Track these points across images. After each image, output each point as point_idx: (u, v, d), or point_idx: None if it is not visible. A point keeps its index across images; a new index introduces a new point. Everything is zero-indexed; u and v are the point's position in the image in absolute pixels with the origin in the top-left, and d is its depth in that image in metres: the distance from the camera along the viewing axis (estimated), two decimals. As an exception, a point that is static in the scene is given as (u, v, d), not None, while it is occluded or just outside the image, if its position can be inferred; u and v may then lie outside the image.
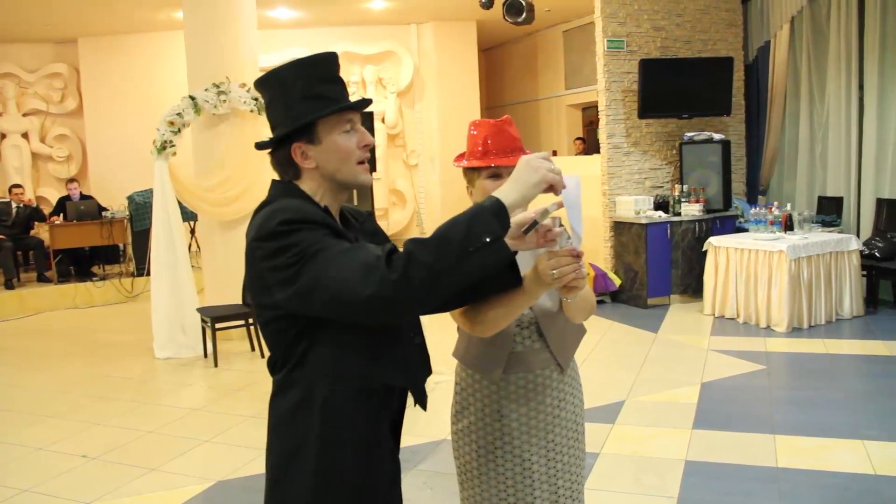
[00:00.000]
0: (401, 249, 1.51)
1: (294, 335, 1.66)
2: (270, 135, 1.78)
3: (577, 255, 1.73)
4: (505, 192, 1.55)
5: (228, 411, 5.47)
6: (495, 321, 1.92)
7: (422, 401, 1.84)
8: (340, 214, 1.81)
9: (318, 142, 1.69)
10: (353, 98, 1.76)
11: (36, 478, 4.40)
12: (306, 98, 1.68)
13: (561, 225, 1.73)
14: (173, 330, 7.21)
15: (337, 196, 1.77)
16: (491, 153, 2.09)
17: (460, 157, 2.19)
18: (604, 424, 4.76)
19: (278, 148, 1.74)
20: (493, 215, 1.50)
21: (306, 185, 1.73)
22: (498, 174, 2.07)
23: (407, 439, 1.95)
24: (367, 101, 1.80)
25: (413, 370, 1.80)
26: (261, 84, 1.78)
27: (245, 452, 4.61)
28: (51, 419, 5.52)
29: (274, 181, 1.79)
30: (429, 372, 1.92)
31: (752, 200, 9.00)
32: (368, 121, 10.20)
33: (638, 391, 5.42)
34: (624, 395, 5.34)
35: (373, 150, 9.45)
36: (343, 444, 1.68)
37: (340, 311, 1.52)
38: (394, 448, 1.86)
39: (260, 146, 1.80)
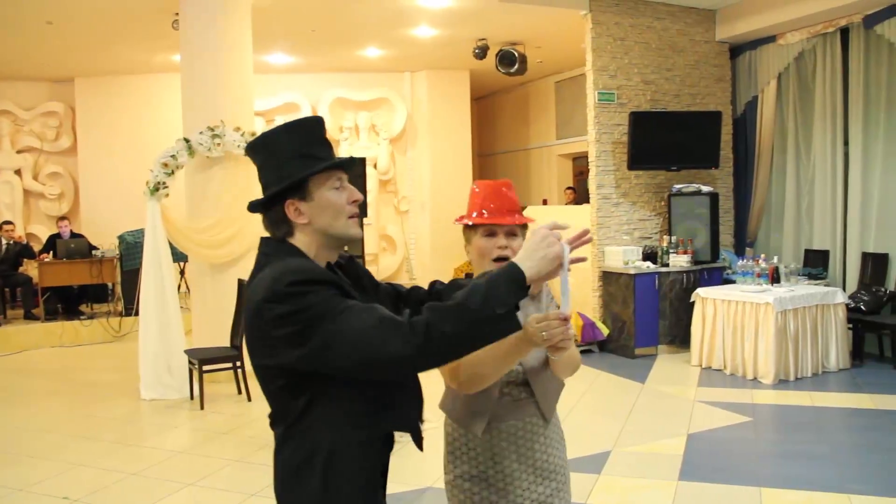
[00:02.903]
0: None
1: (293, 390, 1.70)
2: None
3: (565, 319, 1.82)
4: (524, 263, 1.61)
5: (214, 454, 5.43)
6: (482, 378, 2.02)
7: (419, 443, 1.90)
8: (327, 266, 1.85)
9: (310, 198, 1.76)
10: (345, 154, 1.83)
11: (16, 520, 4.36)
12: (297, 157, 1.76)
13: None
14: (160, 371, 7.17)
15: (330, 252, 1.84)
16: (489, 213, 2.20)
17: (461, 217, 2.29)
18: (590, 475, 4.75)
19: (271, 207, 1.80)
20: (510, 283, 1.58)
21: (299, 241, 1.79)
22: (493, 232, 2.20)
23: (392, 487, 1.97)
24: (355, 160, 1.89)
25: (413, 414, 1.86)
26: (252, 148, 1.86)
27: (229, 497, 4.57)
28: (32, 459, 5.46)
29: (264, 238, 1.85)
30: (422, 412, 1.96)
31: (739, 252, 9.10)
32: (361, 166, 10.30)
33: (624, 441, 5.42)
34: (610, 445, 5.33)
35: (364, 195, 9.51)
36: (347, 495, 1.73)
37: (359, 368, 1.59)
38: (383, 492, 1.90)
39: (253, 208, 1.86)
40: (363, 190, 10.28)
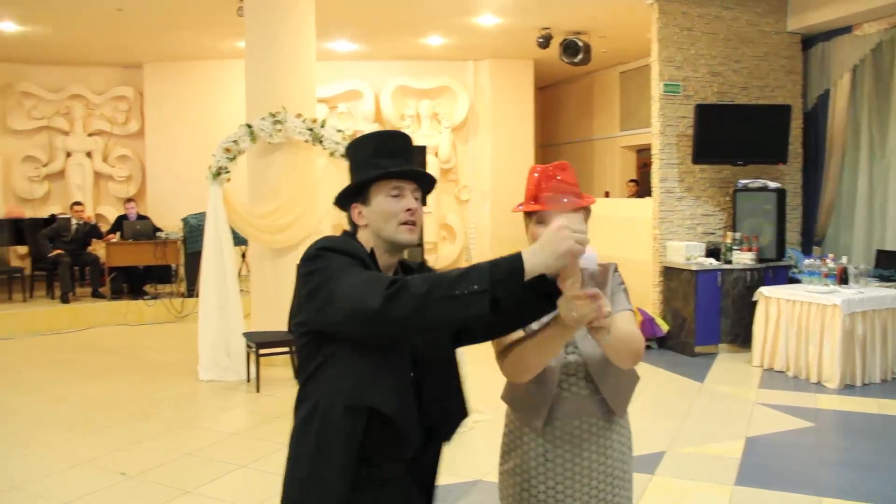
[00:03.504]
0: None
1: (312, 352, 1.87)
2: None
3: (593, 296, 1.77)
4: (531, 254, 1.63)
5: (266, 438, 5.50)
6: (524, 364, 2.02)
7: (409, 437, 1.87)
8: (398, 268, 2.02)
9: (369, 203, 1.94)
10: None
11: (73, 493, 4.47)
12: (365, 165, 1.94)
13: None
14: (218, 353, 7.29)
15: (388, 255, 1.97)
16: (541, 199, 2.13)
17: (518, 205, 2.23)
18: (643, 475, 4.65)
19: (345, 207, 2.01)
20: (506, 270, 1.60)
21: (363, 239, 1.97)
22: (544, 219, 2.11)
23: (442, 478, 2.00)
24: (414, 171, 1.96)
25: (403, 402, 1.86)
26: (345, 151, 2.12)
27: (278, 481, 4.59)
28: (93, 434, 5.62)
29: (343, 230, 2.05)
30: (455, 414, 2.00)
31: (806, 251, 8.81)
32: (421, 154, 10.31)
33: (680, 442, 5.31)
34: (665, 445, 5.23)
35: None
36: (333, 457, 1.82)
37: (345, 323, 1.72)
38: (409, 486, 1.94)
39: (336, 203, 2.05)
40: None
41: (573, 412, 2.14)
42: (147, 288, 11.14)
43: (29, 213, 12.25)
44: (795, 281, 7.94)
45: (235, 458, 5.10)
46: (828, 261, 7.31)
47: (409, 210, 1.92)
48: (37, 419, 6.03)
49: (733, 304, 8.00)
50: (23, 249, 11.76)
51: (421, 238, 10.64)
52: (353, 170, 1.99)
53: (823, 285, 7.13)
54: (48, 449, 5.28)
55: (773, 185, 8.36)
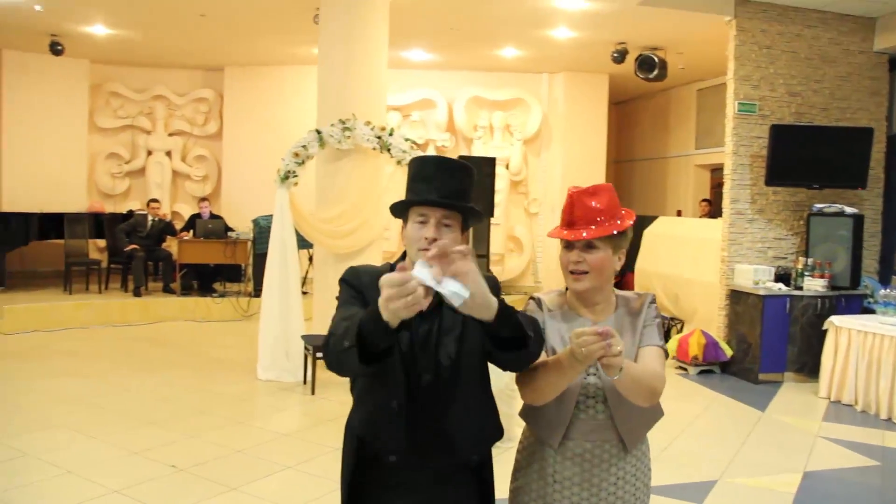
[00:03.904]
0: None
1: None
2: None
3: (603, 334, 1.77)
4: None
5: (317, 440, 5.56)
6: (537, 390, 2.02)
7: (388, 459, 2.03)
8: None
9: (405, 225, 2.06)
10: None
11: (126, 481, 4.61)
12: (407, 189, 2.07)
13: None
14: (277, 353, 7.41)
15: None
16: (568, 224, 2.14)
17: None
18: (689, 503, 4.53)
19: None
20: (375, 321, 1.67)
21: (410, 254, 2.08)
22: (570, 245, 2.13)
23: None
24: (434, 201, 1.99)
25: (382, 426, 2.01)
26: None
27: (322, 484, 4.65)
28: (150, 426, 5.78)
29: None
30: (470, 436, 2.07)
31: (885, 280, 8.45)
32: (490, 166, 10.30)
33: (733, 472, 5.14)
34: (717, 474, 5.07)
35: (492, 195, 9.51)
36: (343, 475, 2.10)
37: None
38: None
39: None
40: (490, 189, 10.27)
41: (587, 435, 2.11)
42: (216, 286, 11.41)
43: (109, 208, 12.72)
44: (870, 311, 7.62)
45: (283, 458, 5.17)
46: (904, 292, 7.01)
47: (426, 239, 1.98)
48: (97, 408, 6.23)
49: (802, 331, 7.73)
50: (102, 243, 12.20)
51: (487, 249, 10.63)
52: (406, 188, 2.11)
53: (899, 317, 6.83)
54: (105, 437, 5.46)
55: (850, 210, 8.05)
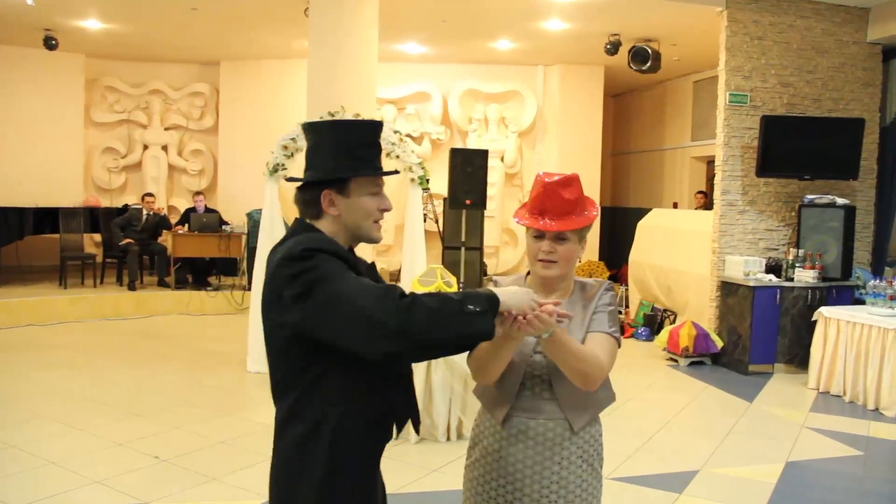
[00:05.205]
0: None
1: (305, 359, 1.82)
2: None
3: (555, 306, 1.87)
4: (502, 293, 1.79)
5: (300, 432, 5.56)
6: (486, 368, 2.07)
7: (417, 426, 2.08)
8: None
9: (347, 195, 1.91)
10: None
11: (108, 471, 4.64)
12: (347, 155, 1.90)
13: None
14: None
15: (349, 244, 1.99)
16: (540, 213, 2.15)
17: (523, 207, 2.24)
18: (669, 493, 4.53)
19: (308, 188, 1.95)
20: (487, 299, 1.73)
21: (325, 227, 1.93)
22: (541, 234, 2.15)
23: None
24: (396, 172, 2.09)
25: (412, 404, 2.05)
26: (312, 127, 1.98)
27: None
28: (136, 417, 5.81)
29: (297, 219, 1.98)
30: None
31: (877, 272, 8.41)
32: (483, 158, 10.26)
33: (715, 462, 5.13)
34: (699, 464, 5.07)
35: (485, 187, 9.32)
36: (347, 474, 1.84)
37: (355, 333, 1.67)
38: (379, 475, 2.05)
39: (290, 180, 2.05)
40: (484, 182, 10.25)
41: (531, 413, 2.15)
42: (211, 279, 11.42)
43: (106, 202, 12.73)
44: (861, 302, 7.60)
45: (267, 449, 5.11)
46: (894, 282, 6.98)
47: (383, 210, 1.97)
48: (86, 400, 6.25)
49: (792, 323, 7.72)
50: (97, 237, 12.24)
51: (481, 242, 10.60)
52: (333, 154, 1.90)
53: (888, 308, 6.81)
54: (91, 428, 5.48)
55: (841, 201, 8.02)
